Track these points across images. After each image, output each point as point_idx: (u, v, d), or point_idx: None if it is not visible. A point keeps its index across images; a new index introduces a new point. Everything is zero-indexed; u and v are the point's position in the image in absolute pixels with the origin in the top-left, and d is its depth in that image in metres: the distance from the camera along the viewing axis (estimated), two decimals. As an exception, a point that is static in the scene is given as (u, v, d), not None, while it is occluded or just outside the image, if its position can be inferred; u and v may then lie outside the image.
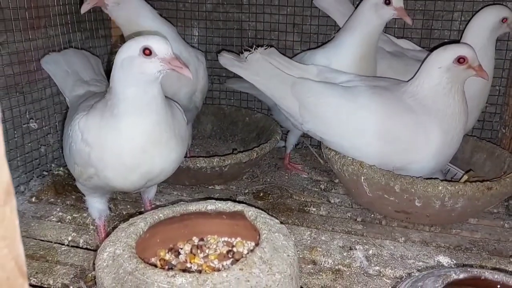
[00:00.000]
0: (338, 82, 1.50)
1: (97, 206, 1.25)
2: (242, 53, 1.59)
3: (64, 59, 1.50)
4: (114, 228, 1.31)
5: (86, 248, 1.29)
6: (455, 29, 1.81)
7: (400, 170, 1.37)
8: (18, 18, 1.51)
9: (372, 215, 1.47)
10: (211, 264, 1.01)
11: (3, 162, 0.41)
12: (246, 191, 1.63)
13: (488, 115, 1.82)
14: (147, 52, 1.03)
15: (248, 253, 1.04)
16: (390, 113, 1.39)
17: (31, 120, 1.60)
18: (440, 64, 1.34)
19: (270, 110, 2.04)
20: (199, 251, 1.06)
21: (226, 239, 1.10)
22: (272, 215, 1.04)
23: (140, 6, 1.56)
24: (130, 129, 1.08)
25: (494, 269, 1.19)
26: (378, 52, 1.68)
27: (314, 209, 1.51)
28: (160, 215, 1.04)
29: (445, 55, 1.35)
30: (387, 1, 1.52)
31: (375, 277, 1.16)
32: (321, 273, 1.17)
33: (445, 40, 1.83)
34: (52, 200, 1.52)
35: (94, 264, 1.17)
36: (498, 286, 0.83)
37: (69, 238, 1.32)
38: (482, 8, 1.75)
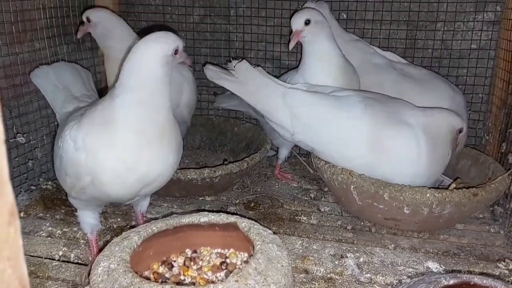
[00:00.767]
0: (329, 92, 1.51)
1: (89, 221, 1.24)
2: (227, 65, 1.60)
3: (54, 73, 1.49)
4: (105, 242, 1.31)
5: (78, 263, 1.28)
6: (438, 38, 1.86)
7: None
8: (4, 32, 1.50)
9: (362, 223, 1.49)
10: (205, 276, 1.02)
11: (7, 183, 0.42)
12: (237, 201, 1.64)
13: (472, 122, 1.86)
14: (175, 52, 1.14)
15: (241, 264, 1.04)
16: (382, 125, 1.40)
17: (18, 134, 1.59)
18: (447, 130, 1.44)
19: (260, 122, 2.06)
20: (192, 263, 1.06)
21: (219, 250, 1.11)
22: (264, 225, 1.06)
23: (115, 25, 1.61)
24: (134, 126, 1.08)
25: (481, 273, 1.21)
26: (364, 65, 1.71)
27: (305, 218, 1.53)
28: (154, 228, 1.05)
29: (456, 123, 1.45)
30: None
31: (366, 284, 1.18)
32: (313, 282, 1.18)
33: (429, 50, 1.87)
34: (41, 214, 1.51)
35: (86, 278, 1.17)
36: (488, 291, 0.86)
37: (60, 253, 1.30)
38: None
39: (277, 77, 1.64)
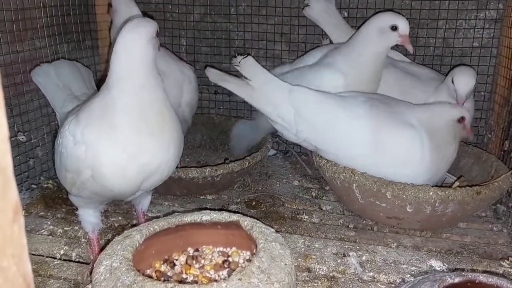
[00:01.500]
0: (335, 92, 1.51)
1: (90, 219, 1.23)
2: (231, 61, 1.60)
3: (55, 71, 1.48)
4: (107, 240, 1.30)
5: (79, 262, 1.27)
6: (440, 36, 1.85)
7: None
8: (5, 30, 1.50)
9: (364, 222, 1.49)
10: (207, 275, 1.01)
11: (11, 181, 0.42)
12: (238, 200, 1.63)
13: (474, 120, 1.85)
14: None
15: (244, 262, 1.04)
16: (386, 125, 1.41)
17: (19, 133, 1.58)
18: (447, 118, 1.44)
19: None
20: (194, 261, 1.06)
21: (221, 249, 1.10)
22: (266, 224, 1.05)
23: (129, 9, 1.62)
24: (132, 117, 1.08)
25: (485, 271, 1.21)
26: None
27: (307, 217, 1.52)
28: (156, 226, 1.04)
29: (452, 113, 1.45)
30: (394, 27, 1.51)
31: (369, 282, 1.18)
32: (316, 281, 1.17)
33: (431, 48, 1.87)
34: (42, 213, 1.50)
35: (87, 277, 1.16)
36: (493, 290, 0.85)
37: (61, 252, 1.30)
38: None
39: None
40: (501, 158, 1.57)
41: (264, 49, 2.04)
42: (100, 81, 1.99)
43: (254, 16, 2.01)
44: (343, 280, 1.18)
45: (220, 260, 1.06)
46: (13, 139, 1.56)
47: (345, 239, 1.39)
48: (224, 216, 1.08)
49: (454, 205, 1.29)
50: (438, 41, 1.86)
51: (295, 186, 1.76)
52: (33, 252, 1.30)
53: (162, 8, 2.09)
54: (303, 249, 1.31)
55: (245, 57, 1.53)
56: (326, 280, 1.18)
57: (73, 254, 1.30)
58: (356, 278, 1.20)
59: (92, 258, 1.25)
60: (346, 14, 1.92)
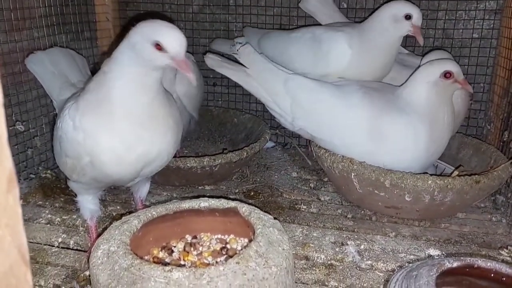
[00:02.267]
0: (330, 81, 1.51)
1: (88, 206, 1.23)
2: (230, 49, 1.60)
3: (49, 59, 1.47)
4: (105, 229, 1.30)
5: (77, 249, 1.27)
6: (440, 28, 1.85)
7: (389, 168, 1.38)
8: (3, 19, 1.49)
9: (362, 212, 1.48)
10: (205, 261, 1.01)
11: (5, 148, 0.41)
12: (237, 190, 1.63)
13: (473, 112, 1.85)
14: (158, 47, 1.01)
15: (241, 249, 1.04)
16: (381, 113, 1.41)
17: (17, 123, 1.58)
18: (428, 79, 1.39)
19: (259, 111, 2.05)
20: (192, 248, 1.05)
21: (219, 236, 1.10)
22: (264, 212, 1.05)
23: None
24: (127, 104, 1.06)
25: (483, 260, 1.21)
26: None
27: (305, 207, 1.52)
28: (153, 212, 1.04)
29: (433, 70, 1.39)
30: (408, 16, 1.49)
31: (367, 270, 1.17)
32: (314, 268, 1.17)
33: (430, 39, 1.86)
34: (40, 202, 1.50)
35: (85, 264, 1.16)
36: (492, 275, 0.85)
37: (59, 240, 1.30)
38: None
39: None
40: (500, 149, 1.57)
41: (263, 40, 2.03)
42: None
43: (253, 7, 2.01)
44: (341, 268, 1.18)
45: (218, 247, 1.06)
46: (11, 128, 1.55)
47: (343, 229, 1.38)
48: (222, 203, 1.07)
49: (453, 194, 1.29)
50: (437, 32, 1.86)
51: (294, 178, 1.76)
52: (31, 240, 1.30)
53: (161, 0, 2.08)
54: (301, 237, 1.31)
55: (244, 45, 1.54)
56: (324, 267, 1.18)
57: (71, 242, 1.30)
58: (354, 266, 1.19)
59: (90, 245, 1.24)
60: (345, 5, 1.91)
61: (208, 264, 1.00)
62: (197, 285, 0.78)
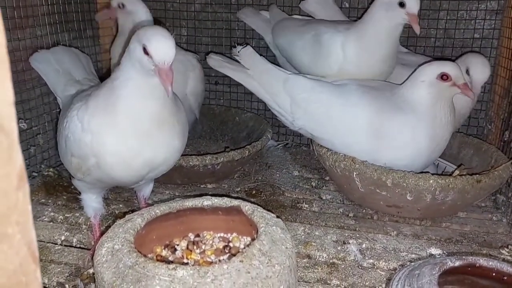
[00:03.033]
0: (329, 81, 1.52)
1: (92, 204, 1.23)
2: (231, 51, 1.61)
3: (54, 57, 1.48)
4: (108, 227, 1.30)
5: (80, 247, 1.28)
6: (441, 27, 1.85)
7: (389, 167, 1.39)
8: (6, 17, 1.49)
9: (364, 211, 1.49)
10: (208, 259, 1.01)
11: (16, 146, 0.41)
12: (238, 189, 1.64)
13: (474, 111, 1.85)
14: (145, 50, 1.02)
15: (244, 248, 1.04)
16: (379, 111, 1.41)
17: (20, 121, 1.58)
18: (423, 78, 1.39)
19: (260, 110, 2.06)
20: (195, 247, 1.06)
21: (222, 234, 1.10)
22: (266, 211, 1.05)
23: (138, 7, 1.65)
24: (134, 110, 1.07)
25: (484, 260, 1.21)
26: None
27: (307, 206, 1.52)
28: (157, 211, 1.04)
29: (430, 71, 1.39)
30: (401, 3, 1.43)
31: (369, 269, 1.18)
32: (316, 267, 1.18)
33: (431, 39, 1.87)
34: (43, 200, 1.51)
35: (89, 262, 1.17)
36: (493, 274, 0.85)
37: (62, 238, 1.30)
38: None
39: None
40: (501, 148, 1.57)
41: (264, 40, 2.03)
42: (102, 71, 2.00)
43: (255, 6, 2.01)
44: (343, 266, 1.19)
45: (220, 245, 1.06)
46: (14, 126, 1.55)
47: (345, 227, 1.39)
48: (225, 202, 1.08)
49: (454, 193, 1.29)
50: (439, 32, 1.86)
51: (295, 176, 1.76)
52: (34, 238, 1.30)
53: (163, -2, 2.09)
54: (303, 236, 1.31)
55: (244, 47, 1.55)
56: (326, 266, 1.19)
57: (74, 240, 1.30)
58: (356, 265, 1.20)
59: (93, 243, 1.25)
60: (347, 5, 1.92)
61: (211, 263, 1.00)
62: (201, 283, 0.79)
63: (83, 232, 1.33)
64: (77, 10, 1.84)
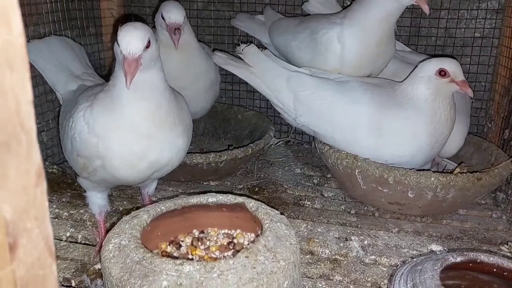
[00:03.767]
0: (331, 78, 1.53)
1: (97, 201, 1.25)
2: (234, 49, 1.63)
3: (47, 47, 1.47)
4: (112, 224, 1.32)
5: (85, 243, 1.29)
6: (442, 26, 1.86)
7: (391, 164, 1.40)
8: (10, 15, 1.50)
9: (366, 208, 1.50)
10: (213, 255, 1.03)
11: (35, 144, 0.43)
12: (241, 186, 1.65)
13: (474, 110, 1.87)
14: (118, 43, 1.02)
15: (248, 244, 1.06)
16: (381, 108, 1.43)
17: (24, 118, 1.59)
18: (422, 74, 1.40)
19: (263, 108, 2.07)
20: (200, 243, 1.07)
21: (226, 231, 1.11)
22: (269, 208, 1.07)
23: None
24: (135, 114, 1.07)
25: (485, 256, 1.23)
26: None
27: (309, 203, 1.54)
28: (162, 207, 1.06)
29: (427, 67, 1.40)
30: None
31: (371, 265, 1.20)
32: (319, 263, 1.20)
33: (433, 38, 1.88)
34: (48, 197, 1.51)
35: (95, 258, 1.18)
36: (494, 269, 0.87)
37: (67, 234, 1.32)
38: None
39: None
40: (501, 146, 1.59)
41: (266, 38, 2.05)
42: (105, 69, 2.01)
43: (258, 4, 2.02)
44: (345, 262, 1.21)
45: (225, 241, 1.07)
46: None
47: (347, 224, 1.40)
48: (230, 198, 1.09)
49: (455, 190, 1.31)
50: (440, 31, 1.87)
51: (297, 174, 1.78)
52: (40, 234, 1.31)
53: (166, -4, 2.09)
54: (306, 233, 1.33)
55: (248, 45, 1.57)
56: (328, 262, 1.20)
57: (79, 236, 1.31)
58: (358, 261, 1.22)
59: (98, 240, 1.26)
60: (349, 3, 1.92)
61: (216, 259, 1.01)
62: (207, 278, 0.80)
63: (88, 229, 1.34)
64: (80, 8, 1.85)
